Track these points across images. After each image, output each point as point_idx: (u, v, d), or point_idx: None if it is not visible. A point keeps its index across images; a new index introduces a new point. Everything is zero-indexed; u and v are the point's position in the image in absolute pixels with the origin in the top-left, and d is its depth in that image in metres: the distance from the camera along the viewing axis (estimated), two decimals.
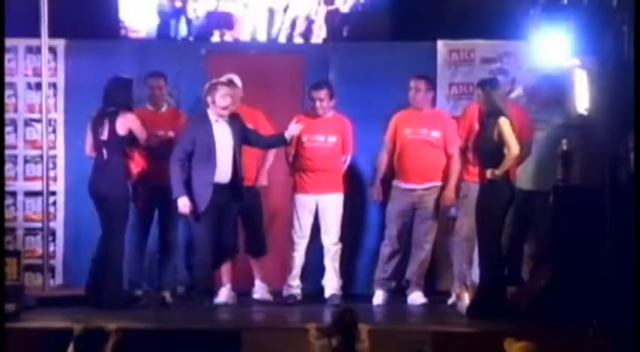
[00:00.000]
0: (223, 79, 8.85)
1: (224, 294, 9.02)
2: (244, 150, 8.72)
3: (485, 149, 8.34)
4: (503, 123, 8.23)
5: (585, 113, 8.83)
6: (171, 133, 8.93)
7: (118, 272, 8.55)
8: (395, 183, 9.08)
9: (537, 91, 9.20)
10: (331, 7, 10.02)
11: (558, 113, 9.18)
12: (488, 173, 8.25)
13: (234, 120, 8.66)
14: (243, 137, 8.66)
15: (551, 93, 9.21)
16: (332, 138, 9.05)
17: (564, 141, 9.34)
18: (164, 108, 9.13)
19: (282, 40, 9.98)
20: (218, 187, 8.51)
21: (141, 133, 8.58)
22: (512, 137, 8.21)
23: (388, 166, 9.08)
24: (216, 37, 9.98)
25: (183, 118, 9.09)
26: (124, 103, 8.57)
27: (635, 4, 7.63)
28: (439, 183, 9.00)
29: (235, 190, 8.62)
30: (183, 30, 10.02)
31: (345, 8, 10.03)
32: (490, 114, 8.31)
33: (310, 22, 9.99)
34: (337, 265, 9.07)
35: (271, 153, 9.11)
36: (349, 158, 9.15)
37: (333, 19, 10.01)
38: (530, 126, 8.98)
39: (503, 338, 6.21)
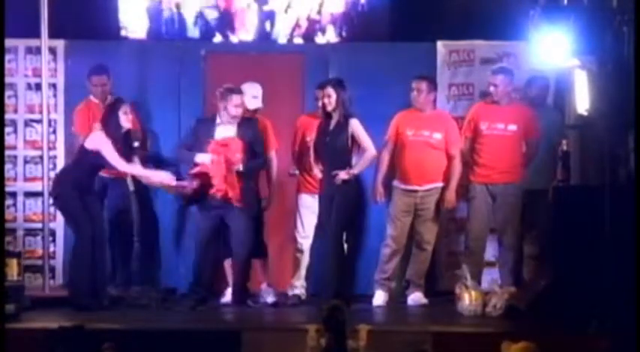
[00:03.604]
0: (238, 87, 8.88)
1: (229, 294, 9.02)
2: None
3: (334, 150, 8.57)
4: (356, 124, 8.54)
5: (585, 113, 8.84)
6: None
7: (91, 273, 8.50)
8: (396, 183, 9.07)
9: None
10: (331, 8, 10.01)
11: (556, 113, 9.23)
12: (343, 174, 8.50)
13: (246, 124, 8.76)
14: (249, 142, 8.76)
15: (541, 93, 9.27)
16: None
17: (564, 141, 9.34)
18: (108, 101, 9.06)
19: (283, 40, 9.98)
20: None
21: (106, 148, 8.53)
22: (367, 137, 8.54)
23: (389, 167, 9.08)
24: (217, 38, 9.97)
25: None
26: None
27: (635, 5, 7.62)
28: (440, 185, 8.99)
29: None
30: (182, 30, 10.00)
31: (344, 9, 10.02)
32: (341, 115, 8.53)
33: (310, 23, 9.99)
34: None
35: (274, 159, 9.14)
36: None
37: (334, 19, 10.01)
38: (536, 127, 8.99)
39: (503, 338, 6.21)
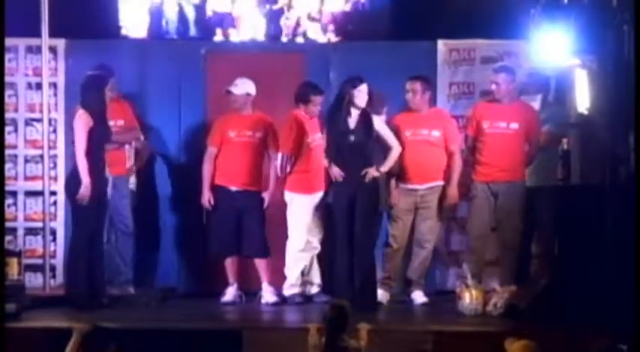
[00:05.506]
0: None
1: (231, 293, 9.04)
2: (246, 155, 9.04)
3: (360, 148, 8.59)
4: (379, 121, 8.61)
5: (585, 112, 8.84)
6: (120, 122, 8.94)
7: (88, 271, 8.47)
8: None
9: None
10: (332, 7, 10.02)
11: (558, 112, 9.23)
12: (373, 170, 8.53)
13: None
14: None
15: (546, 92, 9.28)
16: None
17: (564, 140, 9.34)
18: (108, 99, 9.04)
19: (283, 39, 9.98)
20: None
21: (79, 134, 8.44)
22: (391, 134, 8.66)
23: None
24: (218, 36, 9.97)
25: (128, 106, 9.13)
26: (90, 102, 8.50)
27: (635, 4, 7.63)
28: (441, 183, 9.00)
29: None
30: (183, 29, 10.01)
31: (345, 8, 10.03)
32: (366, 113, 8.61)
33: (311, 22, 9.98)
34: None
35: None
36: None
37: (334, 18, 10.01)
38: (538, 127, 8.99)
39: (503, 337, 6.21)
